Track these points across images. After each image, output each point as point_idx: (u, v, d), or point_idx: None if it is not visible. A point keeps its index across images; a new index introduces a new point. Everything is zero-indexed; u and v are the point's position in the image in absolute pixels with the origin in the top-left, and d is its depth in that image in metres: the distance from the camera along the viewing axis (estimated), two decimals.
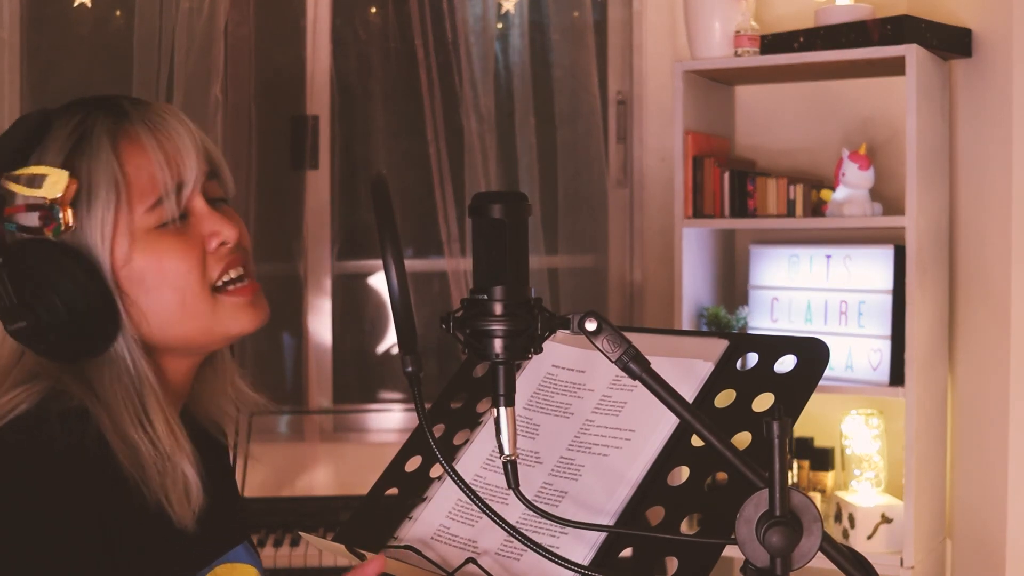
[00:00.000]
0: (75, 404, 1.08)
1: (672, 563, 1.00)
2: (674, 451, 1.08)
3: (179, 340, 1.16)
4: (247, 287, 1.19)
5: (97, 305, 1.09)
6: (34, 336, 1.08)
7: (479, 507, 0.98)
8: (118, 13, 3.33)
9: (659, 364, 0.97)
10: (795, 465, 2.88)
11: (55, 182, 1.08)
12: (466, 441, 1.20)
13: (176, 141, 1.15)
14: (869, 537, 2.64)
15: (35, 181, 1.09)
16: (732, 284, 3.05)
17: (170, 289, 1.14)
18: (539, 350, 0.98)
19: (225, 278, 1.17)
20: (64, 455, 1.05)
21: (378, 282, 3.43)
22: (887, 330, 2.64)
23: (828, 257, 2.77)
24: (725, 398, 1.11)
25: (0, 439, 1.05)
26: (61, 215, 1.08)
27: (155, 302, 1.13)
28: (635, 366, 0.95)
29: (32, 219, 1.09)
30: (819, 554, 0.89)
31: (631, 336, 0.97)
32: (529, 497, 0.99)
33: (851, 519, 2.68)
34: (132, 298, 1.12)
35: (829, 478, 2.88)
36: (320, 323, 3.32)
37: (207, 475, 1.15)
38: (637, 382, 0.95)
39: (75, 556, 1.03)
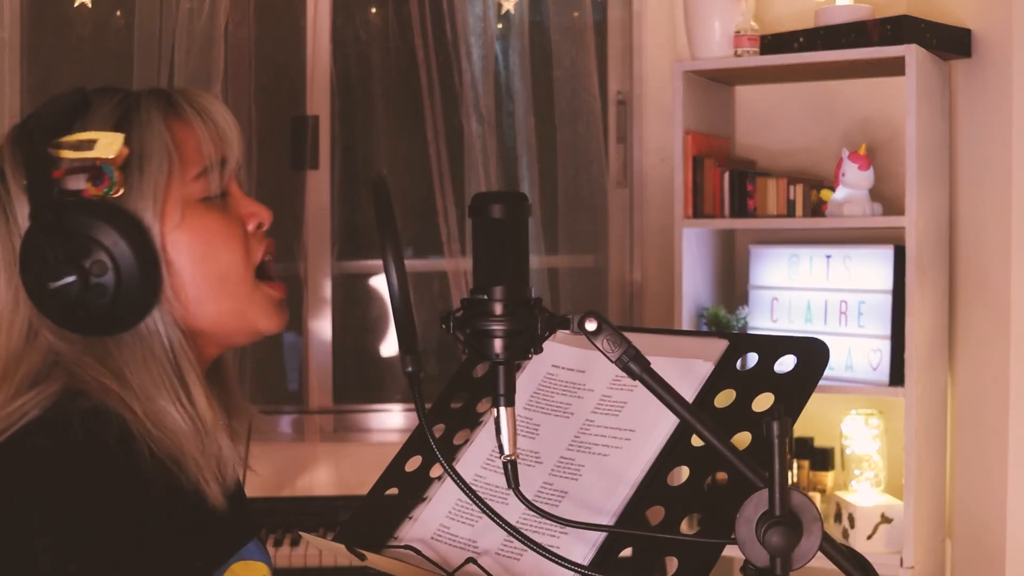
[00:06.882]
0: (93, 403, 1.06)
1: (672, 563, 1.00)
2: (674, 451, 1.08)
3: (210, 319, 1.15)
4: (282, 286, 1.21)
5: (145, 267, 1.08)
6: (75, 299, 1.06)
7: (479, 507, 0.98)
8: (118, 13, 3.33)
9: (659, 364, 0.97)
10: (795, 465, 2.88)
11: (109, 143, 1.08)
12: (466, 441, 1.20)
13: (220, 122, 1.17)
14: (869, 537, 2.64)
15: (84, 145, 1.09)
16: (732, 284, 3.05)
17: (216, 262, 1.14)
18: (539, 350, 0.98)
19: (266, 257, 1.20)
20: (90, 456, 1.03)
21: (379, 282, 3.43)
22: (887, 330, 2.64)
23: (828, 257, 2.77)
24: (725, 398, 1.11)
25: (20, 444, 1.03)
26: (115, 175, 1.08)
27: (199, 273, 1.13)
28: (635, 366, 0.95)
29: (79, 182, 1.08)
30: (819, 554, 0.89)
31: (631, 336, 0.97)
32: (529, 497, 0.99)
33: (851, 519, 2.68)
34: (176, 267, 1.12)
35: (829, 478, 2.89)
36: (320, 323, 3.33)
37: None
38: (637, 382, 0.95)
39: (114, 559, 1.01)
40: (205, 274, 1.14)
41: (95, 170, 1.08)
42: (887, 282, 2.65)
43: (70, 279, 1.06)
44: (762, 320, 2.88)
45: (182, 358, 1.12)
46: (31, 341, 1.10)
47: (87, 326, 1.09)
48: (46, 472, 1.02)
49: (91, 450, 1.04)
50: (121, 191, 1.09)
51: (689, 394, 1.11)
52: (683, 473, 1.07)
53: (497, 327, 0.96)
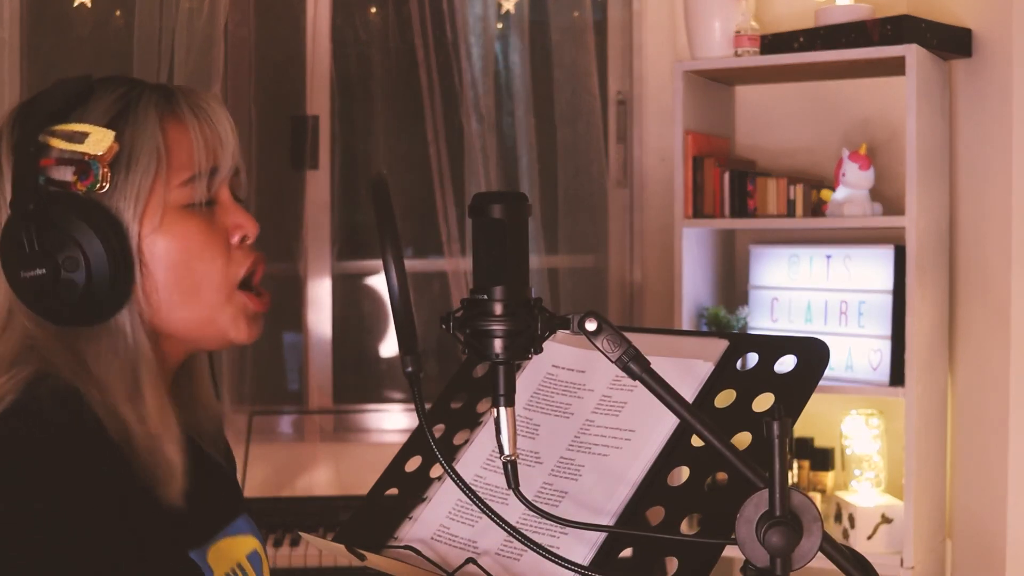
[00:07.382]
0: (65, 386, 1.07)
1: (672, 563, 1.00)
2: (674, 451, 1.08)
3: (179, 324, 1.15)
4: (264, 300, 1.20)
5: (117, 267, 1.08)
6: (46, 289, 1.07)
7: (479, 507, 0.98)
8: (118, 13, 3.33)
9: (659, 364, 0.97)
10: (795, 465, 2.88)
11: (99, 140, 1.08)
12: (466, 441, 1.20)
13: (217, 128, 1.16)
14: (869, 537, 2.64)
15: (76, 137, 1.09)
16: (732, 284, 3.05)
17: (191, 270, 1.13)
18: (539, 350, 0.98)
19: (252, 271, 1.18)
20: (63, 436, 1.04)
21: (378, 282, 3.43)
22: (887, 330, 2.64)
23: (828, 257, 2.77)
24: (725, 398, 1.11)
25: None
26: (100, 172, 1.08)
27: (172, 279, 1.13)
28: (635, 366, 0.95)
29: (66, 174, 1.09)
30: (819, 554, 0.89)
31: (631, 336, 0.97)
32: (529, 497, 0.99)
33: (851, 519, 2.68)
34: (150, 270, 1.12)
35: (829, 478, 2.88)
36: (320, 323, 3.32)
37: (192, 455, 1.14)
38: (637, 382, 0.95)
39: (90, 538, 1.01)
40: (179, 280, 1.13)
41: (82, 164, 1.08)
42: (887, 282, 2.65)
43: (40, 271, 1.07)
44: (762, 320, 2.88)
45: (141, 360, 1.12)
46: (8, 321, 1.11)
47: (56, 316, 1.09)
48: (24, 456, 1.02)
49: (70, 432, 1.05)
50: (105, 188, 1.09)
51: (689, 394, 1.11)
52: (683, 473, 1.07)
53: (497, 327, 0.96)
